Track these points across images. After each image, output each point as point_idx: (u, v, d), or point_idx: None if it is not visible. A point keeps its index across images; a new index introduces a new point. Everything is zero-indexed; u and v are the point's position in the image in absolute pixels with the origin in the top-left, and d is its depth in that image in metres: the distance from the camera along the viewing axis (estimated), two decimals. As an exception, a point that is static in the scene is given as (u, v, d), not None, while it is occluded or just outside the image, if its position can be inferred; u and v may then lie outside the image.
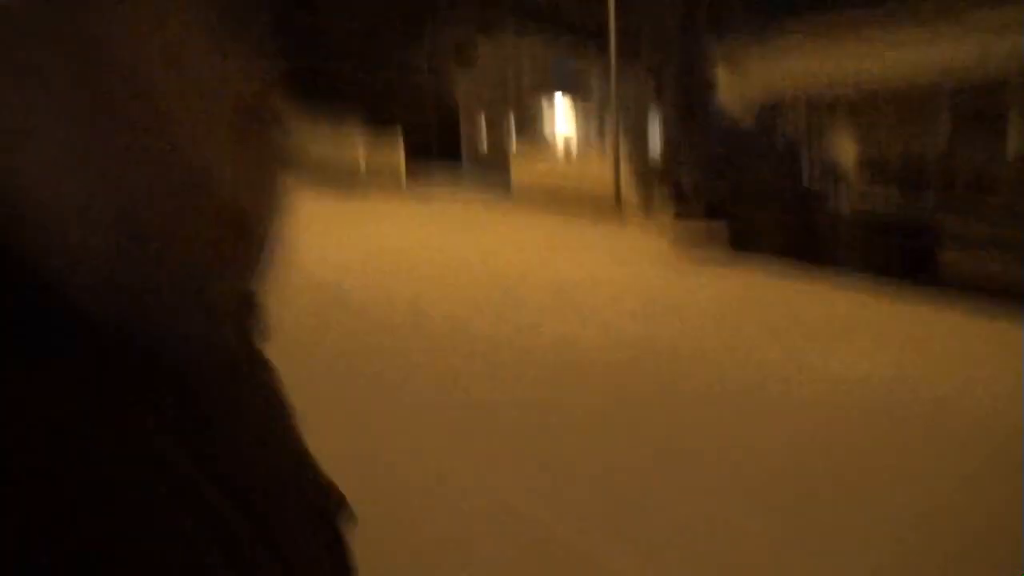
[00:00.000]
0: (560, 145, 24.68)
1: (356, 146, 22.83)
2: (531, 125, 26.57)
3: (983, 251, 8.12)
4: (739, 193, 10.38)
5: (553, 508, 3.62)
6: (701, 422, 4.71)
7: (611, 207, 15.98)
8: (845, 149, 10.16)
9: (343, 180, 20.59)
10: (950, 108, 15.30)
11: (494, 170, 23.58)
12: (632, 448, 4.31)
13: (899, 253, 8.78)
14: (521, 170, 21.61)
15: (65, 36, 0.36)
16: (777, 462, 4.16)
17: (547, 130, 26.19)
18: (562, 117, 26.11)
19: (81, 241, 0.38)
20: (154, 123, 0.38)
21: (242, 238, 0.42)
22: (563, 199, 16.94)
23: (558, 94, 25.93)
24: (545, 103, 26.36)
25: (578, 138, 23.55)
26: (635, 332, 6.73)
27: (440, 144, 25.27)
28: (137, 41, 0.37)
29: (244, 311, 0.47)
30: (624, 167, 15.91)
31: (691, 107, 11.81)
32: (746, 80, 11.49)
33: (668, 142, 11.92)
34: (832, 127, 15.37)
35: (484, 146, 26.93)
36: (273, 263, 0.45)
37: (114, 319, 0.39)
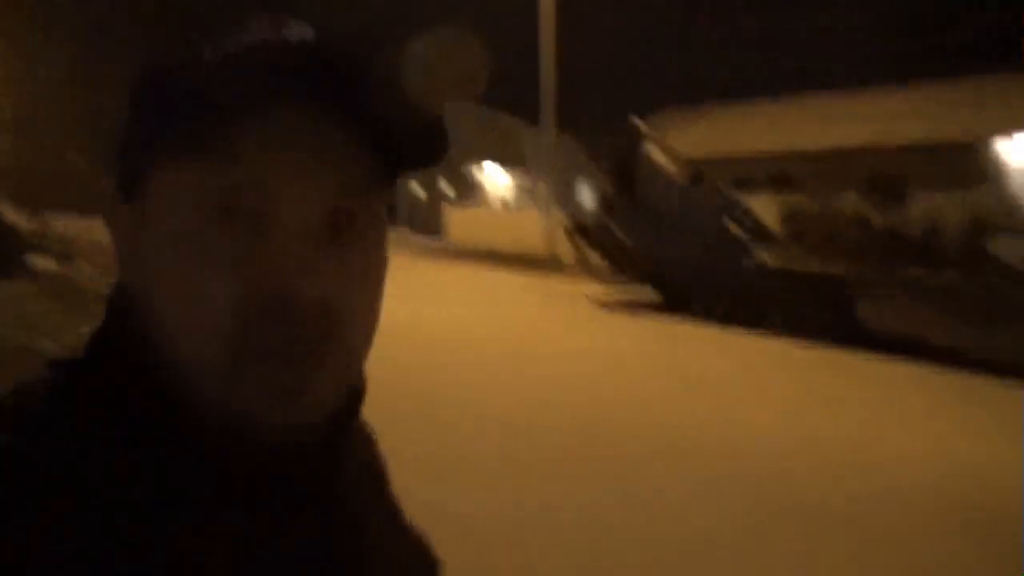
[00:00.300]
0: (496, 206, 25.00)
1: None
2: (468, 187, 26.92)
3: (895, 303, 8.62)
4: (669, 257, 10.76)
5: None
6: (620, 466, 4.76)
7: (546, 266, 16.31)
8: (768, 212, 10.71)
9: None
10: (862, 175, 16.39)
11: (430, 231, 23.68)
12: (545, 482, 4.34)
13: (819, 308, 9.24)
14: (457, 230, 21.72)
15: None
16: (693, 505, 4.23)
17: (483, 193, 26.55)
18: (498, 181, 26.54)
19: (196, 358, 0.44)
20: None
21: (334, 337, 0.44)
22: (499, 258, 17.14)
23: (493, 160, 26.43)
24: (480, 167, 26.80)
25: (514, 200, 23.96)
26: (563, 381, 6.82)
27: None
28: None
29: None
30: (558, 230, 16.32)
31: (622, 176, 12.26)
32: (674, 150, 12.07)
33: (601, 209, 12.32)
34: (755, 192, 16.18)
35: (421, 209, 27.04)
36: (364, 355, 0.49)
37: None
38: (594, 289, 12.47)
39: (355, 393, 0.51)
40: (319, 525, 0.48)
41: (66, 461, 0.41)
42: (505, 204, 25.14)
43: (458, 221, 22.10)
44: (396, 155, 0.47)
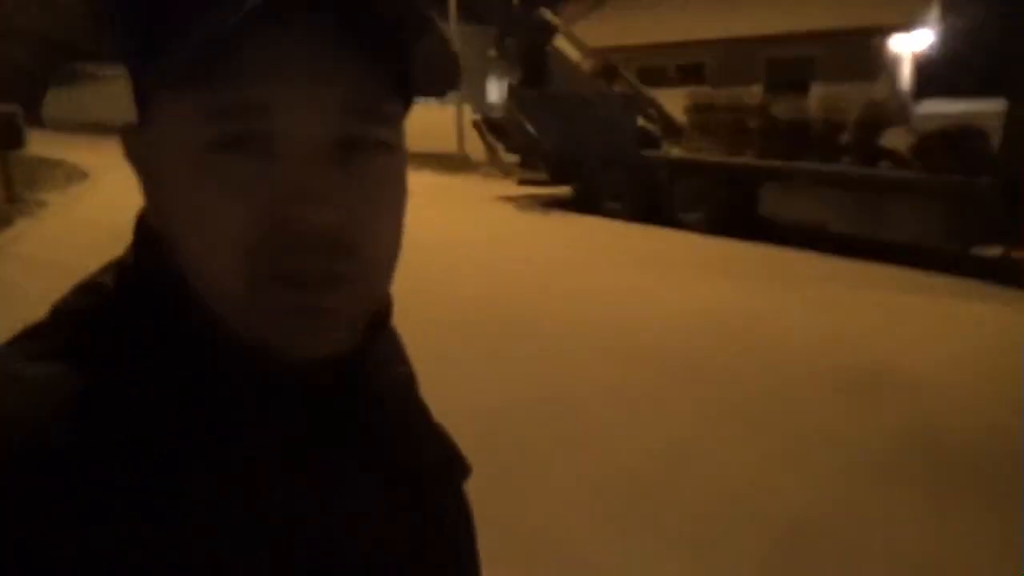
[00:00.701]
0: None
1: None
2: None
3: (800, 192, 8.94)
4: (580, 155, 10.72)
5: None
6: (556, 343, 4.93)
7: (456, 164, 16.05)
8: (675, 105, 10.74)
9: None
10: (766, 67, 16.59)
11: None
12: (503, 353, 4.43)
13: (727, 196, 9.48)
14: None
15: None
16: (627, 362, 4.45)
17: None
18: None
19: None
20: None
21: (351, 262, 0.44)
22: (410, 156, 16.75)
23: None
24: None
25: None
26: (495, 266, 6.87)
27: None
28: None
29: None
30: (468, 128, 15.98)
31: (530, 73, 12.00)
32: (583, 43, 11.83)
33: (510, 104, 12.03)
34: (662, 83, 16.16)
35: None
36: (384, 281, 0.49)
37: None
38: (505, 187, 12.38)
39: (380, 312, 0.52)
40: (360, 437, 0.51)
41: (124, 399, 0.42)
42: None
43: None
44: (408, 79, 0.45)
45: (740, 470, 3.41)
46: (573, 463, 3.45)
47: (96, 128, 22.00)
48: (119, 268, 0.49)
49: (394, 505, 0.52)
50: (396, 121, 0.47)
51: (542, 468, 3.40)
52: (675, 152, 10.30)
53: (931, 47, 17.51)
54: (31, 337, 0.45)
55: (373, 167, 0.45)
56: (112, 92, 23.62)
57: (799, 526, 2.99)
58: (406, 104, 0.48)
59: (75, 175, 12.43)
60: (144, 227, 0.48)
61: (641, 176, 10.20)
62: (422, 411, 0.61)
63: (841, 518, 3.06)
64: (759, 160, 9.29)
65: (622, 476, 3.34)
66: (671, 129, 10.70)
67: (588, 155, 10.67)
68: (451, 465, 0.61)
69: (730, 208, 9.47)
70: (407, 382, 0.61)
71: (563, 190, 11.48)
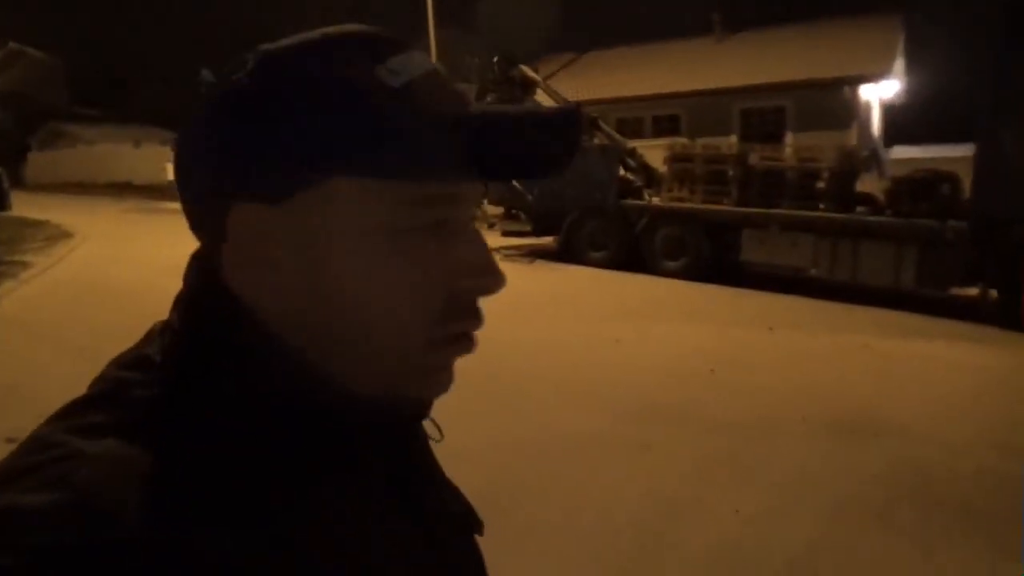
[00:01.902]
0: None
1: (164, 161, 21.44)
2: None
3: (775, 238, 9.10)
4: (562, 206, 10.87)
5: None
6: (538, 393, 4.94)
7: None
8: (654, 155, 10.97)
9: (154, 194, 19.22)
10: (740, 118, 17.01)
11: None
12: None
13: (707, 243, 9.63)
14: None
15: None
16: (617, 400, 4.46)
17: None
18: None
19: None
20: None
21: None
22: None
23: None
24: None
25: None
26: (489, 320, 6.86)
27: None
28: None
29: None
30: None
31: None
32: (562, 96, 12.10)
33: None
34: (639, 135, 16.48)
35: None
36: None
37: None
38: (489, 239, 12.48)
39: None
40: (427, 485, 0.59)
41: (210, 477, 0.42)
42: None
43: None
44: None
45: (732, 517, 3.42)
46: (563, 516, 3.44)
47: (78, 189, 22.06)
48: (174, 338, 0.48)
49: (432, 551, 0.55)
50: None
51: (532, 520, 3.38)
52: (655, 201, 10.48)
53: (898, 96, 18.12)
54: (78, 413, 0.44)
55: None
56: (94, 153, 23.78)
57: (796, 572, 2.99)
58: None
59: (58, 235, 12.39)
60: (221, 297, 0.48)
61: (622, 225, 10.34)
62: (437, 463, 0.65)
63: (834, 563, 3.06)
64: (737, 208, 9.48)
65: (614, 527, 3.33)
66: (651, 179, 10.91)
67: (570, 206, 10.82)
68: (472, 517, 0.65)
69: (710, 255, 9.62)
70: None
71: (546, 241, 11.60)
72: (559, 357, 5.96)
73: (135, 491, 0.38)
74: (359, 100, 0.45)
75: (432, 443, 0.62)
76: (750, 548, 3.16)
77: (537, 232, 11.59)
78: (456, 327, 0.49)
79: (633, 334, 6.72)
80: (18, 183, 23.02)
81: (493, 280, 0.50)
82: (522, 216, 11.78)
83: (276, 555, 0.41)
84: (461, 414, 4.67)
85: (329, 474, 0.47)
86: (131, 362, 0.48)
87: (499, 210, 12.27)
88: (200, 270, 0.50)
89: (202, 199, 0.49)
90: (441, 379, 0.51)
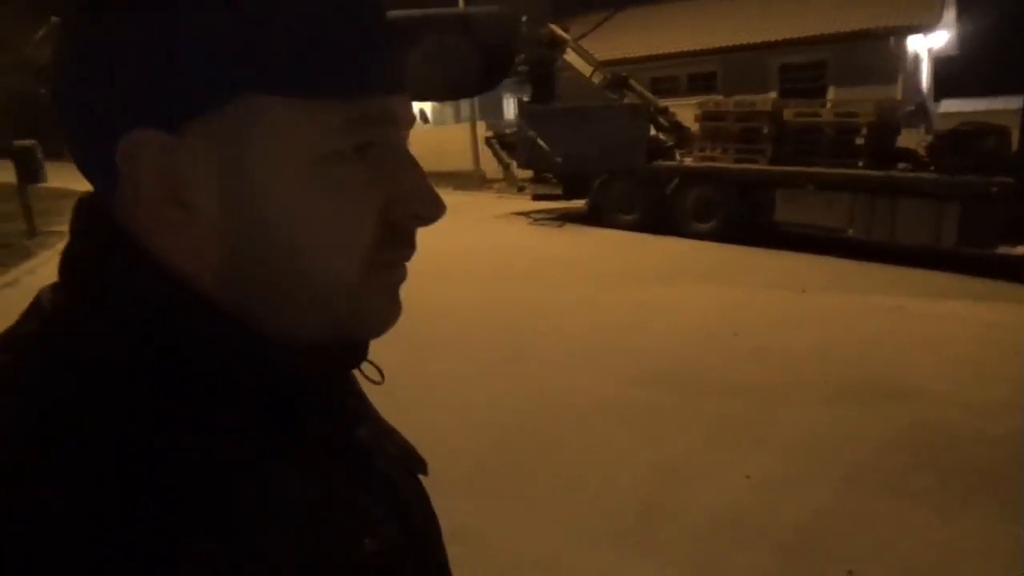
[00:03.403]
0: (418, 122, 24.41)
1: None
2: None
3: (810, 197, 8.80)
4: (592, 168, 10.66)
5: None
6: (559, 356, 4.87)
7: (472, 181, 16.09)
8: (688, 113, 10.67)
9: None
10: (779, 73, 16.46)
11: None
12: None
13: (740, 204, 9.38)
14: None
15: None
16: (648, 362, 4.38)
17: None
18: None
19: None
20: None
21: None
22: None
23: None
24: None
25: (431, 114, 23.38)
26: (513, 284, 6.83)
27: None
28: None
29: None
30: (482, 146, 16.03)
31: (540, 88, 12.00)
32: (592, 55, 11.82)
33: (522, 119, 12.01)
34: (674, 93, 16.08)
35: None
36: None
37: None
38: (519, 203, 12.37)
39: None
40: (374, 436, 0.55)
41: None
42: (423, 116, 24.47)
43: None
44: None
45: (743, 484, 3.32)
46: (574, 482, 3.38)
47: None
48: (59, 305, 0.42)
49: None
50: None
51: (542, 487, 3.34)
52: (687, 161, 10.22)
53: (949, 47, 17.32)
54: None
55: None
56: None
57: (804, 540, 2.90)
58: None
59: (96, 205, 12.62)
60: (117, 248, 0.42)
61: (652, 187, 10.12)
62: None
63: (846, 530, 2.96)
64: (771, 166, 9.19)
65: (624, 494, 3.26)
66: (683, 138, 10.62)
67: (599, 168, 10.62)
68: (415, 458, 0.62)
69: (743, 216, 9.36)
70: None
71: (577, 204, 11.43)
72: (581, 321, 5.87)
73: (63, 503, 0.33)
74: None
75: (375, 387, 0.58)
76: (757, 515, 3.07)
77: (567, 195, 11.42)
78: (389, 256, 0.46)
79: (658, 297, 6.60)
80: (59, 155, 23.53)
81: (429, 207, 0.46)
82: (552, 179, 11.61)
83: (222, 550, 0.36)
84: (479, 375, 4.64)
85: (270, 446, 0.42)
86: (9, 344, 0.41)
87: (528, 173, 12.12)
88: (88, 219, 0.44)
89: (83, 129, 0.42)
90: (382, 312, 0.47)
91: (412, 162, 0.47)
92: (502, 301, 6.45)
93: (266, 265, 0.42)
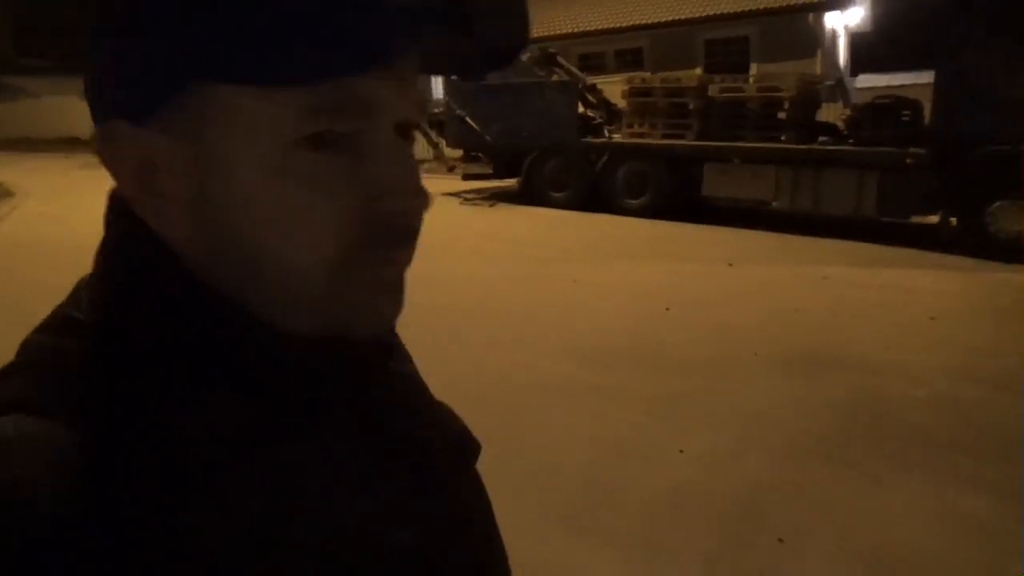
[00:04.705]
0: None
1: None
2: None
3: (737, 171, 8.95)
4: (522, 146, 10.59)
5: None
6: (495, 334, 4.81)
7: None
8: (615, 90, 10.68)
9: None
10: (704, 49, 16.68)
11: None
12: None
13: (669, 179, 9.46)
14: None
15: None
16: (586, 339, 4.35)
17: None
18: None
19: None
20: None
21: None
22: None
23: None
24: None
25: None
26: (434, 262, 6.70)
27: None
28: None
29: None
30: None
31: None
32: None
33: (450, 99, 11.83)
34: (602, 70, 16.13)
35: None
36: None
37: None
38: (450, 183, 12.22)
39: None
40: (398, 416, 0.51)
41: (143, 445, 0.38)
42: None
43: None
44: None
45: (687, 460, 3.33)
46: (515, 461, 3.33)
47: (23, 145, 21.26)
48: (93, 293, 0.43)
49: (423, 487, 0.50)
50: None
51: (480, 468, 3.27)
52: (616, 138, 10.24)
53: (865, 23, 17.85)
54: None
55: (412, 150, 0.45)
56: (39, 107, 22.85)
57: (746, 513, 2.92)
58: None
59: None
60: (136, 239, 0.43)
61: (583, 164, 10.12)
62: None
63: (788, 502, 2.99)
64: (698, 141, 9.29)
65: (559, 471, 3.23)
66: (612, 115, 10.64)
67: (529, 145, 10.56)
68: (468, 441, 0.60)
69: (672, 191, 9.46)
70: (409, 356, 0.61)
71: (509, 183, 11.35)
72: (514, 298, 5.82)
73: (49, 476, 0.34)
74: None
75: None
76: (697, 490, 3.08)
77: (498, 174, 11.33)
78: (376, 254, 0.43)
79: (591, 274, 6.59)
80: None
81: (414, 200, 0.43)
82: (483, 158, 11.49)
83: (234, 534, 0.37)
84: (412, 355, 4.59)
85: (288, 434, 0.42)
86: (52, 324, 0.43)
87: (459, 153, 11.96)
88: (115, 210, 0.45)
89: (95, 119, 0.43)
90: (372, 309, 0.44)
91: (394, 154, 0.43)
92: (435, 281, 6.32)
93: (237, 258, 0.42)
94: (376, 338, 0.46)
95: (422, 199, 0.44)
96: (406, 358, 0.58)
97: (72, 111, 22.22)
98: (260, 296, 0.42)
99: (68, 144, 20.91)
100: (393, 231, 0.43)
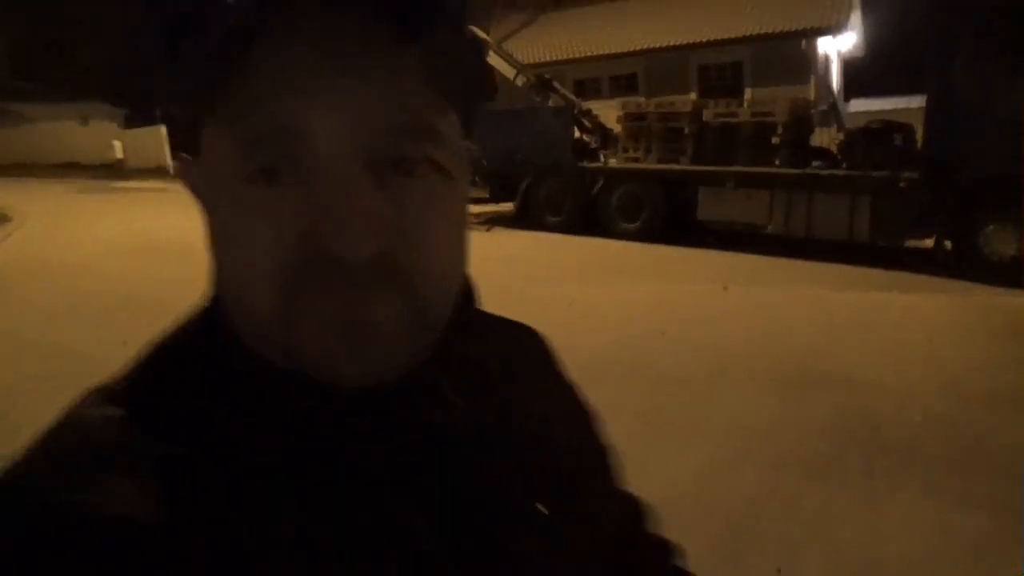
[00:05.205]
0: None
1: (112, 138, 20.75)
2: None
3: (731, 195, 9.00)
4: (518, 171, 10.67)
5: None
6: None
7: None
8: (610, 115, 10.77)
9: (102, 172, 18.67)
10: (698, 74, 16.85)
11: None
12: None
13: (663, 203, 9.52)
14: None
15: None
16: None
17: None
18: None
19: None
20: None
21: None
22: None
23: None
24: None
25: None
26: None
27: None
28: None
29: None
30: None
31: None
32: (514, 57, 11.82)
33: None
34: (597, 95, 16.25)
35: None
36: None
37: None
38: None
39: (450, 314, 0.47)
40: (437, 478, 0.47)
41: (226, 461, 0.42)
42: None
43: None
44: (449, 85, 0.43)
45: (678, 477, 3.32)
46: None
47: (21, 170, 21.35)
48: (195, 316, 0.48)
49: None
50: (443, 136, 0.43)
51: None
52: (612, 162, 10.32)
53: (857, 48, 18.06)
54: (103, 390, 0.45)
55: (417, 186, 0.42)
56: (36, 132, 22.97)
57: (737, 530, 2.90)
58: (463, 119, 0.46)
59: (-5, 219, 11.94)
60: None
61: (579, 188, 10.18)
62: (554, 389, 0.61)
63: (778, 518, 2.98)
64: (693, 166, 9.36)
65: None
66: (607, 139, 10.73)
67: (525, 169, 10.62)
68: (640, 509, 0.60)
69: (667, 215, 9.51)
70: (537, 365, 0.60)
71: (505, 207, 11.41)
72: (510, 317, 5.81)
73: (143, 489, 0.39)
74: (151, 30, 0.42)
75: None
76: (689, 509, 3.06)
77: (494, 198, 11.38)
78: (326, 287, 0.40)
79: (587, 295, 6.61)
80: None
81: (332, 239, 0.39)
82: (479, 182, 11.55)
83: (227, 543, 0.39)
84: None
85: (235, 483, 0.41)
86: (164, 341, 0.48)
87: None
88: None
89: None
90: (326, 354, 0.41)
91: (340, 184, 0.39)
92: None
93: (220, 286, 0.45)
94: (364, 387, 0.42)
95: (347, 236, 0.39)
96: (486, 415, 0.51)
97: (69, 137, 22.36)
98: (245, 332, 0.44)
99: (65, 169, 21.01)
100: (339, 265, 0.39)
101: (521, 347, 0.64)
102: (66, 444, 0.41)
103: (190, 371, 0.45)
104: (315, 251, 0.40)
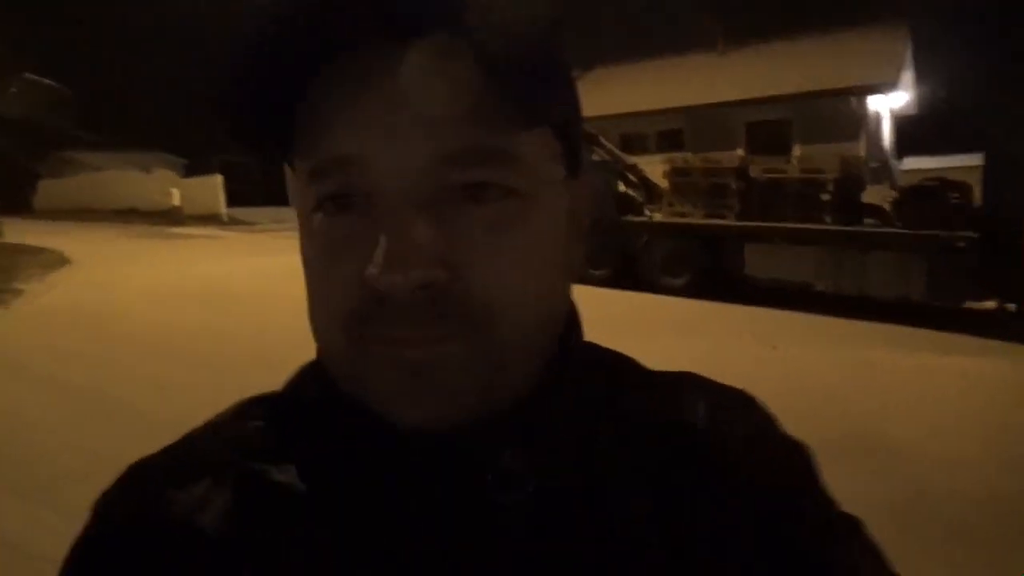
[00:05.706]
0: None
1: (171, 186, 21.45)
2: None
3: (779, 251, 8.83)
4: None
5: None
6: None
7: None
8: (656, 170, 10.76)
9: (159, 219, 19.28)
10: (745, 131, 16.81)
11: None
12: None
13: (709, 258, 9.39)
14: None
15: None
16: None
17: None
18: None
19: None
20: None
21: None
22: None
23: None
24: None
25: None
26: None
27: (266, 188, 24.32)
28: None
29: None
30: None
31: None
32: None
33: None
34: (643, 150, 16.30)
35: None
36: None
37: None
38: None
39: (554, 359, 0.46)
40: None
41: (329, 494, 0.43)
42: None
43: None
44: (526, 99, 0.38)
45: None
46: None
47: (84, 215, 22.15)
48: None
49: None
50: (517, 158, 0.40)
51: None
52: (656, 217, 10.26)
53: (909, 106, 17.86)
54: (253, 401, 0.50)
55: (485, 213, 0.39)
56: (100, 179, 23.90)
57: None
58: (533, 127, 0.41)
59: (55, 262, 12.32)
60: None
61: (623, 242, 10.12)
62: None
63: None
64: (739, 222, 9.23)
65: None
66: (652, 194, 10.69)
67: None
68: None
69: (713, 271, 9.36)
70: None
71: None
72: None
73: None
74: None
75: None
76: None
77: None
78: (378, 326, 0.39)
79: (631, 351, 6.42)
80: (28, 211, 23.21)
81: (395, 271, 0.37)
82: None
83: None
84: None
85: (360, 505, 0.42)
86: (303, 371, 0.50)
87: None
88: None
89: None
90: (393, 385, 0.39)
91: (385, 215, 0.38)
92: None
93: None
94: (428, 431, 0.39)
95: (384, 270, 0.37)
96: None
97: (130, 184, 23.20)
98: (323, 358, 0.45)
99: (125, 215, 21.74)
100: (390, 304, 0.38)
101: (717, 421, 0.51)
102: (187, 444, 0.47)
103: (303, 398, 0.47)
104: (371, 289, 0.38)
